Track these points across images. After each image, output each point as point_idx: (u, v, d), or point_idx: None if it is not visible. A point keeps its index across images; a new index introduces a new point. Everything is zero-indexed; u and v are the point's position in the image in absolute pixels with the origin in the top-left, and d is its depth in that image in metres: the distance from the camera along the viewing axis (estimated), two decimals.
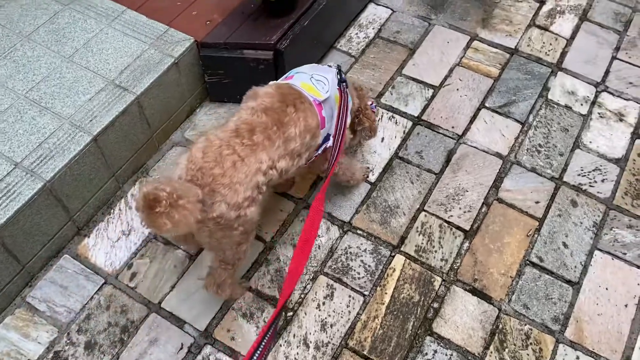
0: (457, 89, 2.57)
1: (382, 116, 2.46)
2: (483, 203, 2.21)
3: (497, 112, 2.49)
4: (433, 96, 2.55)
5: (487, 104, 2.52)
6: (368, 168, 2.28)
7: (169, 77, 2.20)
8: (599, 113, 2.49)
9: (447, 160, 2.34)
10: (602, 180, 2.28)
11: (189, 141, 2.36)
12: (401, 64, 2.68)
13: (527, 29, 2.80)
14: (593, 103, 2.53)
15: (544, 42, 2.74)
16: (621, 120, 2.47)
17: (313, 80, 1.73)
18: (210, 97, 2.47)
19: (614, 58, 2.69)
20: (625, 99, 2.54)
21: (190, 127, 2.41)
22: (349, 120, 1.86)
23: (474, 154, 2.36)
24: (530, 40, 2.75)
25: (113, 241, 2.07)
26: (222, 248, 1.64)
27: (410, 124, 2.46)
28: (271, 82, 1.76)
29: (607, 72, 2.64)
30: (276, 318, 1.35)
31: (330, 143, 1.78)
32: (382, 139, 2.41)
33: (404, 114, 2.48)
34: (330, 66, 1.88)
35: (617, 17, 2.85)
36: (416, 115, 2.49)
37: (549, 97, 2.55)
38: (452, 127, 2.44)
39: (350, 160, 2.16)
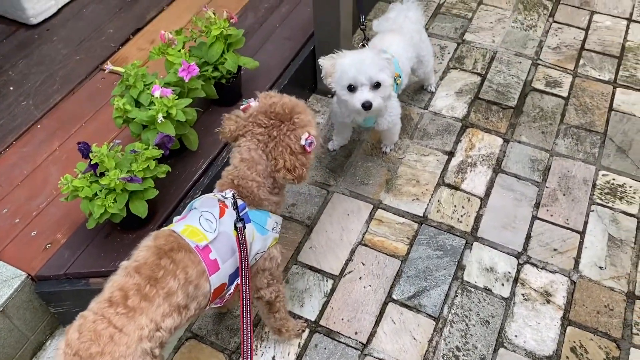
0: (360, 277, 2.22)
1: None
2: None
3: (406, 306, 2.13)
4: (333, 290, 2.19)
5: (394, 296, 2.16)
6: (305, 323, 2.09)
7: None
8: (522, 295, 2.16)
9: None
10: None
11: None
12: (297, 247, 2.33)
13: (436, 189, 2.49)
14: (515, 280, 2.20)
15: (455, 206, 2.44)
16: (548, 301, 2.14)
17: (202, 220, 1.56)
18: (63, 324, 2.06)
19: (534, 218, 2.39)
20: (550, 271, 2.22)
21: None
22: (252, 257, 1.66)
23: None
24: (440, 204, 2.44)
25: None
26: None
27: (306, 332, 2.08)
28: (152, 232, 1.58)
29: (528, 238, 2.33)
30: None
31: (239, 279, 1.60)
32: (273, 358, 2.02)
33: (299, 319, 2.11)
34: (224, 197, 1.62)
35: (534, 164, 2.58)
36: (314, 319, 2.11)
37: (465, 278, 2.21)
38: (356, 334, 2.07)
39: (285, 310, 1.95)
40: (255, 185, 1.66)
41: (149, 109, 1.95)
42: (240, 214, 1.58)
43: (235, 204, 1.60)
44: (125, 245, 1.93)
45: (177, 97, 1.99)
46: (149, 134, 1.95)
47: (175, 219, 1.65)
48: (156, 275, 1.43)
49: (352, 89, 2.04)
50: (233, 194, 1.62)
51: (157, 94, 1.93)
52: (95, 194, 1.76)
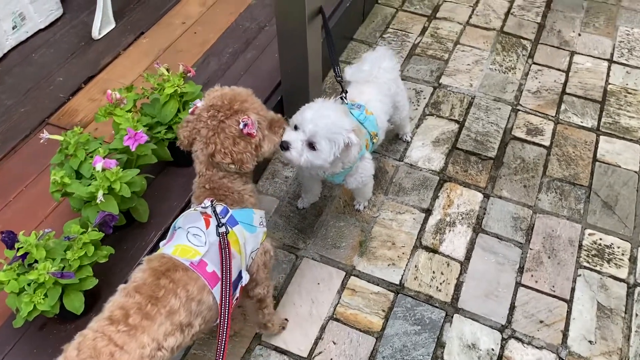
0: (331, 359, 2.02)
1: None
2: None
3: None
4: None
5: None
6: (286, 320, 2.11)
7: None
8: None
9: None
10: None
11: None
12: None
13: (413, 253, 2.31)
14: (500, 359, 2.02)
15: (434, 272, 2.25)
16: None
17: (189, 236, 1.53)
18: None
19: (518, 284, 2.22)
20: (537, 347, 2.05)
21: None
22: (248, 257, 1.64)
23: None
24: (418, 270, 2.26)
25: None
26: None
27: None
28: (144, 257, 1.54)
29: (512, 308, 2.15)
30: None
31: (243, 281, 1.60)
32: None
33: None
34: (204, 207, 1.59)
35: (517, 223, 2.42)
36: None
37: (445, 357, 2.02)
38: None
39: (272, 305, 1.94)
40: (226, 180, 1.65)
41: (91, 183, 1.73)
42: (225, 219, 1.57)
43: (214, 211, 1.56)
44: (62, 337, 1.70)
45: (122, 168, 1.78)
46: (90, 211, 1.73)
47: (162, 243, 1.60)
48: (157, 294, 1.41)
49: (295, 128, 1.86)
50: (211, 202, 1.60)
51: (98, 166, 1.72)
52: (23, 288, 1.54)
